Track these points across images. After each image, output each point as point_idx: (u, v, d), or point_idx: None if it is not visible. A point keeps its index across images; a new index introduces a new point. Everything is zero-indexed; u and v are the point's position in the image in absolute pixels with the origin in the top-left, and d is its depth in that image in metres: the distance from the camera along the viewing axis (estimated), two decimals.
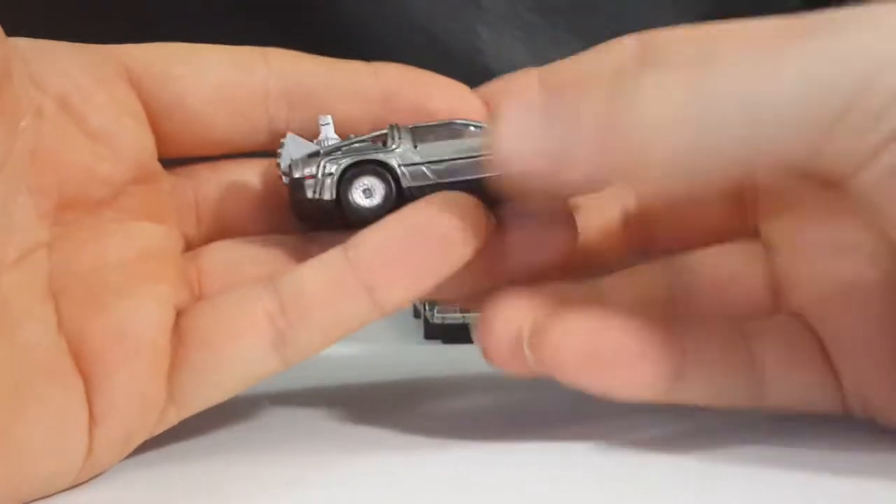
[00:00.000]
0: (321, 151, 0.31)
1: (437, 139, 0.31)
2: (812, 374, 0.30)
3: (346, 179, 0.30)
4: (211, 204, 0.32)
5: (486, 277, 0.30)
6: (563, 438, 0.31)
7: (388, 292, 0.28)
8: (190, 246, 0.32)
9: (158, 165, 0.32)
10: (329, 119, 0.32)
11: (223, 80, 0.32)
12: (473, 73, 0.56)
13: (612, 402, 0.34)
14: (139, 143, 0.31)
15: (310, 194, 0.30)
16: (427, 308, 0.43)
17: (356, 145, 0.31)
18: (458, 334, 0.42)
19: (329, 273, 0.28)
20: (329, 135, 0.31)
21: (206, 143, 0.32)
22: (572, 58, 0.34)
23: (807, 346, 0.30)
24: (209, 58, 0.32)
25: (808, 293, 0.31)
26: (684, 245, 0.33)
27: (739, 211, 0.33)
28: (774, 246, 0.32)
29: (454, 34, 0.55)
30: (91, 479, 0.28)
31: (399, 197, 0.30)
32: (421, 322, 0.43)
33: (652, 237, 0.33)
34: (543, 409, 0.34)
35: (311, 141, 0.31)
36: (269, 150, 0.33)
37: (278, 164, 0.31)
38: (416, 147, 0.31)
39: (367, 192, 0.30)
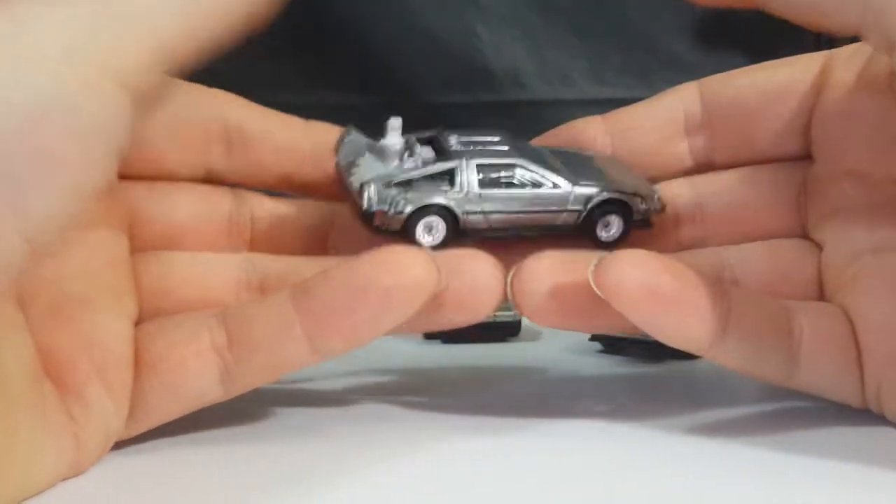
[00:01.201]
0: (392, 182, 0.32)
1: (497, 187, 0.33)
2: (842, 358, 0.31)
3: (412, 218, 0.32)
4: (144, 217, 0.33)
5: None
6: (562, 438, 0.31)
7: (328, 342, 0.29)
8: None
9: (115, 179, 0.32)
10: (398, 123, 0.33)
11: (176, 116, 0.33)
12: (473, 73, 0.56)
13: (609, 402, 0.35)
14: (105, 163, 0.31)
15: (378, 224, 0.32)
16: None
17: (425, 180, 0.32)
18: (457, 334, 0.42)
19: (275, 316, 0.29)
20: (393, 140, 0.33)
21: (152, 172, 0.33)
22: (634, 106, 0.36)
23: (842, 333, 0.31)
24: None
25: (848, 285, 0.32)
26: (736, 242, 0.34)
27: (791, 212, 0.34)
28: (821, 244, 0.33)
29: (454, 34, 0.55)
30: (77, 475, 0.28)
31: (456, 236, 0.32)
32: None
33: (704, 236, 0.35)
34: (543, 409, 0.34)
35: (374, 142, 0.33)
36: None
37: (338, 164, 0.33)
38: (480, 195, 0.32)
39: (428, 228, 0.32)
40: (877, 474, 0.28)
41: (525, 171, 0.33)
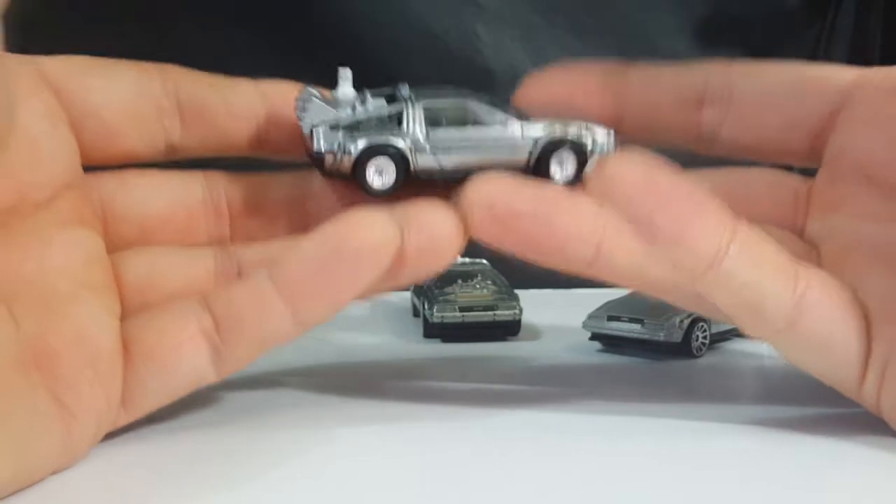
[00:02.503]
0: (340, 126, 0.32)
1: (449, 124, 0.33)
2: (849, 312, 0.30)
3: (361, 160, 0.32)
4: (119, 212, 0.33)
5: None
6: (562, 437, 0.31)
7: (308, 310, 0.30)
8: None
9: (82, 171, 0.32)
10: (349, 74, 0.33)
11: (130, 94, 0.33)
12: (473, 73, 0.56)
13: (608, 402, 0.35)
14: (71, 149, 0.32)
15: (328, 167, 0.33)
16: (426, 307, 0.43)
17: (373, 123, 0.33)
18: (456, 333, 0.42)
19: (256, 293, 0.30)
20: (347, 91, 0.33)
21: (115, 153, 0.33)
22: (662, 65, 0.36)
23: (850, 295, 0.30)
24: (119, 72, 0.33)
25: (859, 268, 0.32)
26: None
27: (787, 218, 0.35)
28: (821, 241, 0.33)
29: (454, 34, 0.55)
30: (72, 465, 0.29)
31: (407, 178, 0.33)
32: (420, 321, 0.43)
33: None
34: (542, 408, 0.34)
35: (330, 94, 0.33)
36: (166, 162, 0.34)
37: (298, 118, 0.33)
38: (427, 135, 0.33)
39: (379, 171, 0.32)
40: (875, 475, 0.28)
41: (472, 113, 0.33)
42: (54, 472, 0.28)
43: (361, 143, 0.32)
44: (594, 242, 0.30)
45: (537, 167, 0.33)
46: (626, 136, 0.35)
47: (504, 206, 0.30)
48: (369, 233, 0.29)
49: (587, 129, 0.34)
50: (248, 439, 0.31)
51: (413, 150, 0.32)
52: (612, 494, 0.27)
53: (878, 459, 0.29)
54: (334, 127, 0.32)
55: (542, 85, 0.35)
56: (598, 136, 0.34)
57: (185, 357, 0.30)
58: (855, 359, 0.30)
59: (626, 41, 0.55)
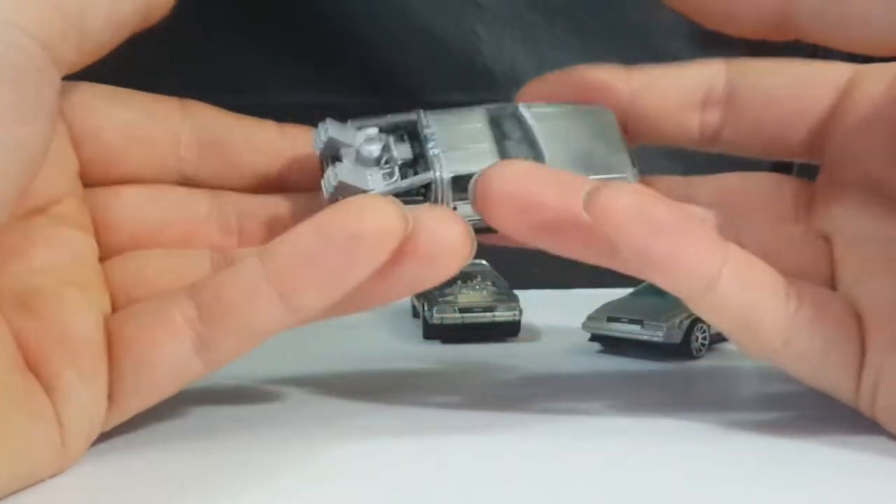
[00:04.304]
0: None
1: (469, 164, 0.32)
2: (842, 330, 0.30)
3: None
4: (111, 220, 0.33)
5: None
6: (562, 438, 0.31)
7: (300, 297, 0.29)
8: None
9: (80, 184, 0.33)
10: (375, 132, 0.33)
11: (137, 120, 0.33)
12: (473, 72, 0.56)
13: (608, 402, 0.35)
14: (73, 162, 0.32)
15: None
16: (426, 308, 0.43)
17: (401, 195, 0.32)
18: (456, 334, 0.42)
19: (244, 279, 0.29)
20: (371, 147, 0.33)
21: (117, 175, 0.33)
22: (661, 66, 0.36)
23: (844, 309, 0.31)
24: (130, 99, 0.33)
25: (857, 272, 0.32)
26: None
27: (788, 220, 0.34)
28: (828, 235, 0.33)
29: (454, 34, 0.55)
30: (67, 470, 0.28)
31: None
32: (420, 322, 0.44)
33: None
34: (542, 409, 0.34)
35: (349, 142, 0.33)
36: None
37: (320, 156, 0.33)
38: (455, 207, 0.32)
39: None
40: (875, 476, 0.28)
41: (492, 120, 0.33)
42: (51, 476, 0.28)
43: (389, 189, 0.32)
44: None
45: None
46: (629, 138, 0.35)
47: (528, 194, 0.29)
48: (374, 217, 0.28)
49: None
50: (246, 442, 0.31)
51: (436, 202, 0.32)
52: (612, 495, 0.27)
53: (877, 460, 0.29)
54: (360, 175, 0.32)
55: (542, 88, 0.35)
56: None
57: (166, 349, 0.29)
58: (850, 369, 0.30)
59: (626, 41, 0.55)
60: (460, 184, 0.32)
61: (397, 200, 0.29)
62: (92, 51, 0.27)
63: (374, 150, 0.33)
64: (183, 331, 0.29)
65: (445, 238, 0.29)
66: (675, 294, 0.30)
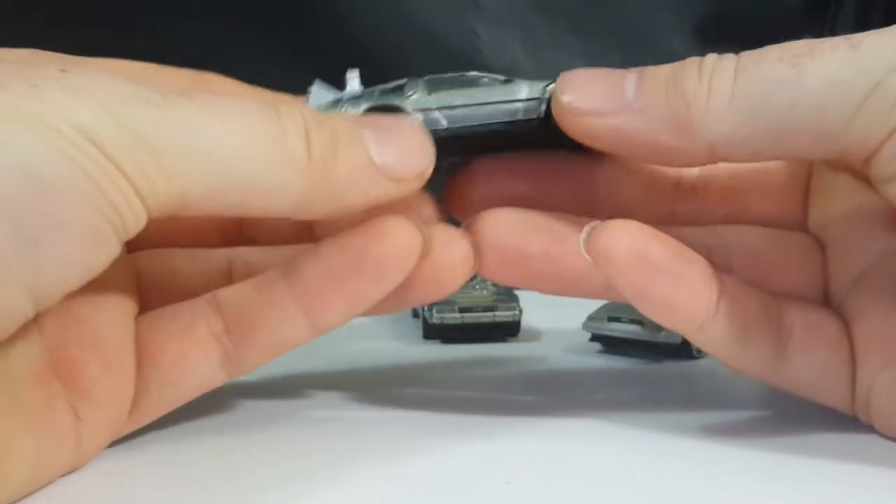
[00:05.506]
0: (343, 98, 0.32)
1: (451, 87, 0.32)
2: (834, 356, 0.31)
3: None
4: None
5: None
6: (561, 438, 0.31)
7: (325, 316, 0.30)
8: None
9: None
10: (356, 73, 0.33)
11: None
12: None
13: (608, 403, 0.35)
14: None
15: None
16: (426, 308, 0.43)
17: (376, 93, 0.32)
18: (456, 334, 0.42)
19: (270, 298, 0.30)
20: (354, 87, 0.33)
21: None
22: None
23: (835, 331, 0.31)
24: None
25: (853, 284, 0.32)
26: (733, 223, 0.34)
27: (797, 203, 0.34)
28: (825, 243, 0.33)
29: (454, 34, 0.55)
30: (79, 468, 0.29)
31: None
32: (420, 322, 0.44)
33: (701, 212, 0.34)
34: (542, 409, 0.34)
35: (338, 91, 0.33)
36: None
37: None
38: (429, 94, 0.32)
39: None
40: (871, 477, 0.28)
41: (476, 77, 0.33)
42: (62, 475, 0.28)
43: (364, 105, 0.32)
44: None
45: (548, 115, 0.32)
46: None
47: (515, 247, 0.30)
48: (397, 239, 0.29)
49: None
50: (245, 443, 0.31)
51: (417, 110, 0.32)
52: (612, 495, 0.27)
53: (877, 461, 0.29)
54: (337, 101, 0.32)
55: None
56: None
57: (193, 363, 0.30)
58: (842, 388, 0.31)
59: (626, 41, 0.56)
60: (433, 81, 0.32)
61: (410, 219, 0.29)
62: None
63: (356, 87, 0.33)
64: (210, 345, 0.30)
65: (449, 261, 0.30)
66: (672, 329, 0.31)
